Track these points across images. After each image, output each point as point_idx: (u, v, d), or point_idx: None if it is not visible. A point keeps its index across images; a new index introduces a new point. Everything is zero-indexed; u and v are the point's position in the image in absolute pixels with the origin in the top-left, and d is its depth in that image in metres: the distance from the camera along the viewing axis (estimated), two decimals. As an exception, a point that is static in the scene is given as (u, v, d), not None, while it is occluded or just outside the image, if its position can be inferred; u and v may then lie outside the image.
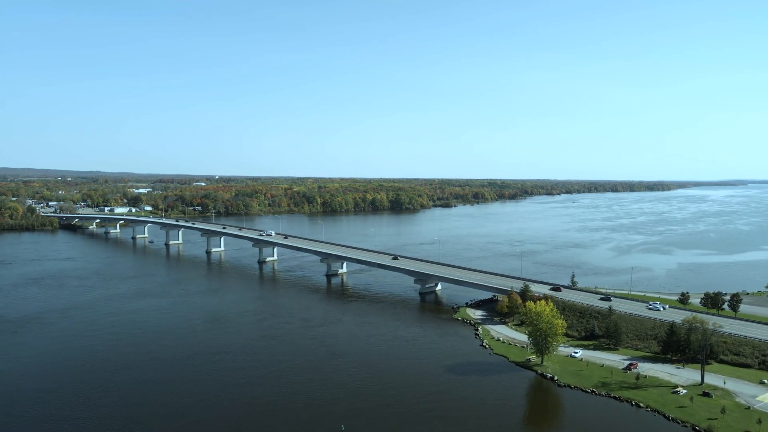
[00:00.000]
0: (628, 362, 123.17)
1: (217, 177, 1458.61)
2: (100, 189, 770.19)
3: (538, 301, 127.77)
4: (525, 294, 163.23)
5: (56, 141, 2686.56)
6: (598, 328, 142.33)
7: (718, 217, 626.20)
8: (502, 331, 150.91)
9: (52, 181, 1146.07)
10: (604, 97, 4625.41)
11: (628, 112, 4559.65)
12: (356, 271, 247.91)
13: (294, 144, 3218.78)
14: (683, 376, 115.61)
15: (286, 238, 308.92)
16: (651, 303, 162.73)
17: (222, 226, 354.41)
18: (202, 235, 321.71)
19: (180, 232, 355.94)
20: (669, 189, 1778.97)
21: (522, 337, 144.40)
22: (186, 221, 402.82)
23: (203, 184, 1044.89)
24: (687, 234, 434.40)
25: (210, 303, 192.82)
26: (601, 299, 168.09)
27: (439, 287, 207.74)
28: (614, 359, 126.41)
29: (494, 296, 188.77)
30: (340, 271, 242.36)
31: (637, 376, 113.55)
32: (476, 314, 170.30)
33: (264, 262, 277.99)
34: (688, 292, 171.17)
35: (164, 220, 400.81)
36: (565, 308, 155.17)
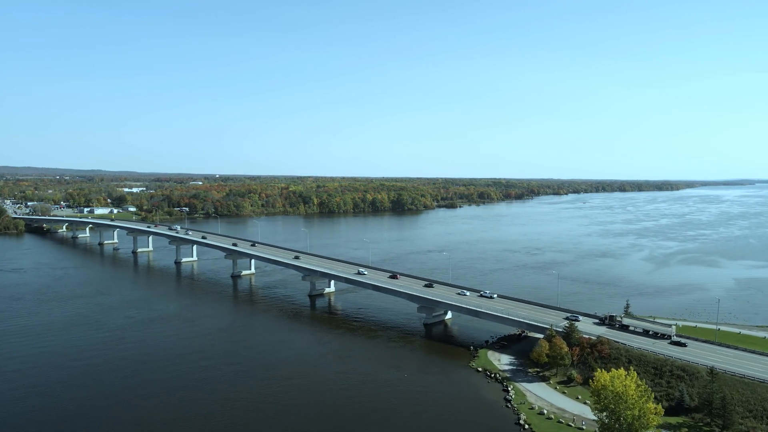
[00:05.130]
0: (759, 469, 78.24)
1: (217, 176, 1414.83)
2: (86, 188, 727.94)
3: (615, 370, 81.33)
4: (570, 336, 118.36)
5: (57, 140, 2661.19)
6: (689, 396, 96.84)
7: (746, 219, 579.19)
8: (543, 396, 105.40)
9: (45, 180, 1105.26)
10: (610, 97, 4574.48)
11: (634, 111, 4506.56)
12: (346, 290, 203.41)
13: (296, 143, 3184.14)
14: None
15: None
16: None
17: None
18: (170, 243, 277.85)
19: (150, 238, 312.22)
20: (677, 188, 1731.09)
21: (574, 406, 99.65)
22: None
23: (200, 183, 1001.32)
24: (724, 240, 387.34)
25: (153, 337, 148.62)
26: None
27: (449, 315, 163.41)
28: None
29: (522, 331, 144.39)
30: (327, 290, 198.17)
31: None
32: (502, 362, 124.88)
33: (239, 276, 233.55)
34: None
35: (125, 224, 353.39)
36: (631, 360, 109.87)
